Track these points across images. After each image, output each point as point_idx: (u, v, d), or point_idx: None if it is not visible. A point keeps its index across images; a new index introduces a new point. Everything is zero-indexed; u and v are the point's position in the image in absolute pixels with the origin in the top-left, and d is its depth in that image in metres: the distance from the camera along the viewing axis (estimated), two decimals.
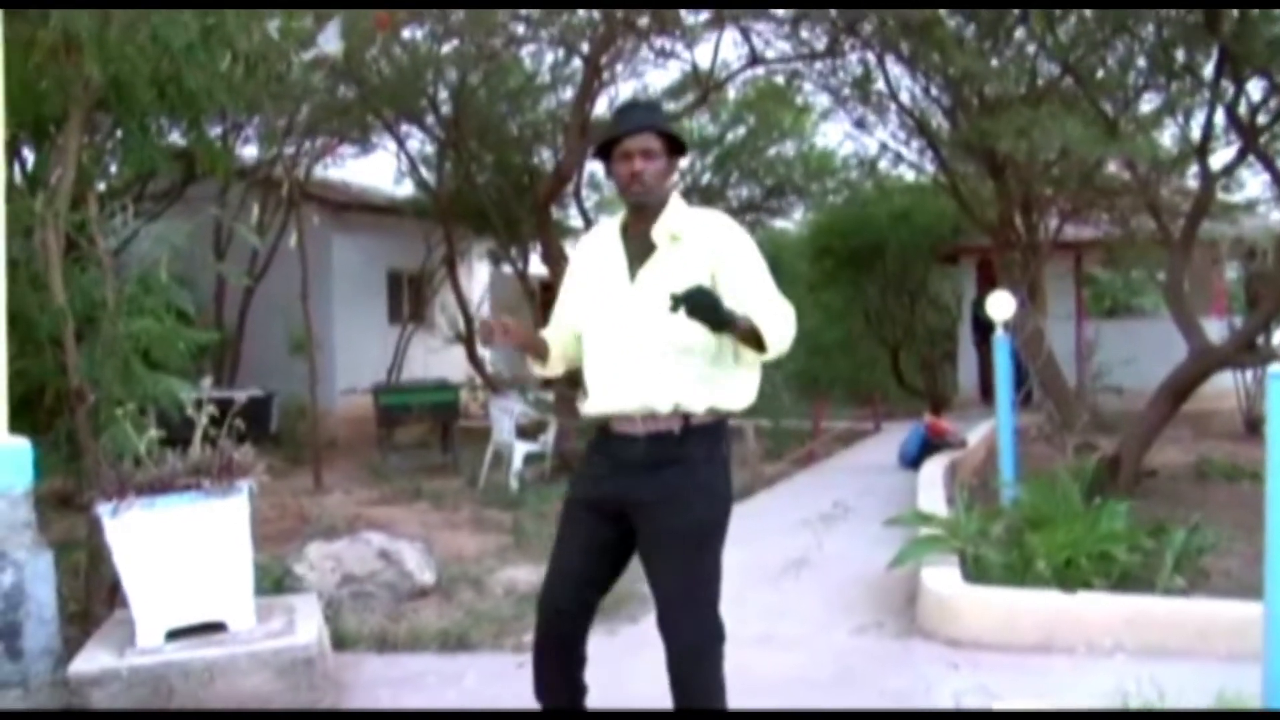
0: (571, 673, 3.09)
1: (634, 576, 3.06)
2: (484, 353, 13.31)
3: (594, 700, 3.21)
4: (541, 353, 3.10)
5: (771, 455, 10.24)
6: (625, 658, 4.00)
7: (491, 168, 12.53)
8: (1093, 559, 4.71)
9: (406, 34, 10.33)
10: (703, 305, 2.65)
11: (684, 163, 15.32)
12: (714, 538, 2.91)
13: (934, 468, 8.46)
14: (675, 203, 2.98)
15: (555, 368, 3.15)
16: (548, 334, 3.15)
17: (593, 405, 2.97)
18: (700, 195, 14.51)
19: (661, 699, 2.94)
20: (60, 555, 3.93)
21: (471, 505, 7.85)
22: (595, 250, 3.04)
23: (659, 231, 2.91)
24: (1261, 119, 7.42)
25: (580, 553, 2.97)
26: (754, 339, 2.78)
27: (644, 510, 2.87)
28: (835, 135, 20.32)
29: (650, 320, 2.83)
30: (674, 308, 2.65)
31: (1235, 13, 6.50)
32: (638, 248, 2.93)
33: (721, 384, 2.89)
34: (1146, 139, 7.80)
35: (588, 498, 2.99)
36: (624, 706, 3.48)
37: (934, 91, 9.82)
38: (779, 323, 2.78)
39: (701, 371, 2.86)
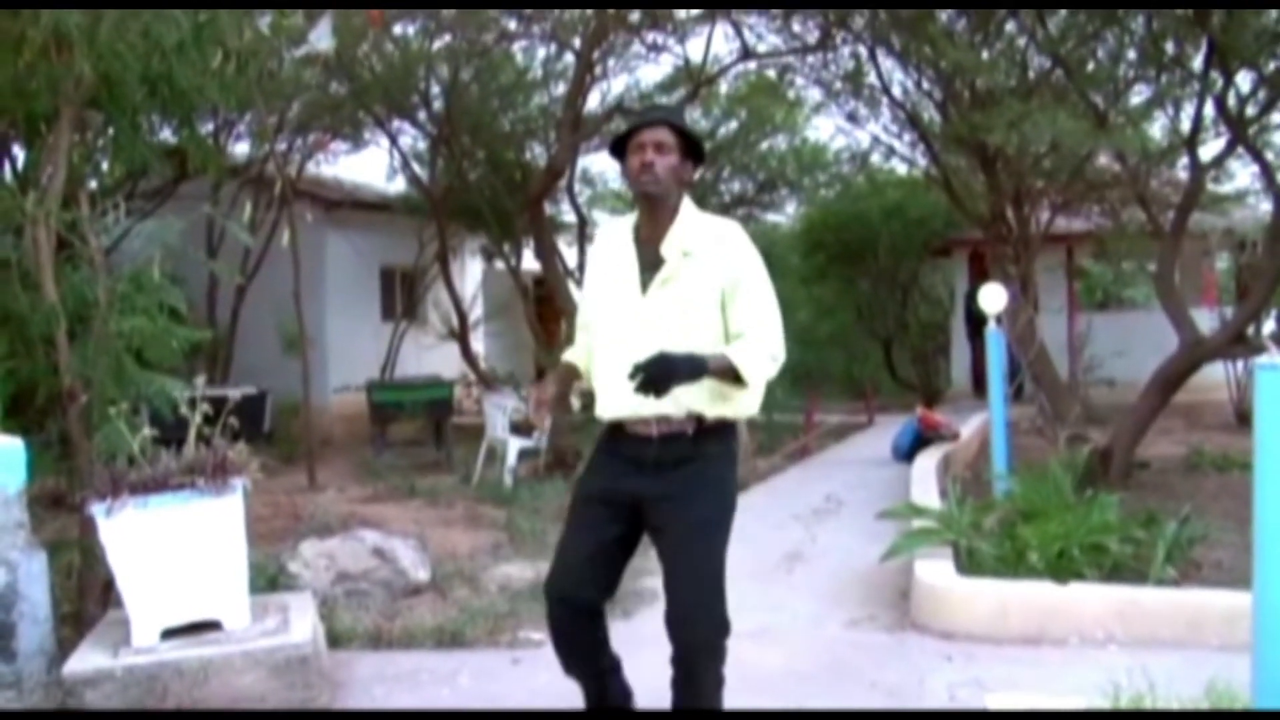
0: (593, 654, 3.12)
1: (632, 573, 3.07)
2: (477, 349, 13.30)
3: None
4: (579, 381, 3.17)
5: (764, 450, 10.23)
6: (624, 653, 4.00)
7: (484, 164, 12.51)
8: (1085, 550, 4.74)
9: (398, 30, 10.31)
10: (658, 378, 2.69)
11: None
12: (723, 532, 2.95)
13: (927, 461, 8.47)
14: (687, 211, 2.97)
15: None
16: (576, 348, 3.19)
17: (606, 408, 2.99)
18: (691, 191, 14.48)
19: (659, 694, 2.96)
20: (53, 555, 3.92)
21: (465, 502, 7.84)
22: (609, 254, 3.04)
23: (669, 246, 2.91)
24: (1250, 110, 7.44)
25: (588, 543, 3.00)
26: (733, 375, 2.82)
27: (658, 505, 2.90)
28: (827, 129, 20.28)
29: (660, 335, 2.84)
30: (632, 375, 2.70)
31: None
32: (649, 257, 2.93)
33: (730, 394, 2.91)
34: (1136, 131, 7.83)
35: (601, 491, 3.01)
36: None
37: (925, 85, 9.83)
38: (757, 363, 2.85)
39: (712, 384, 2.86)
